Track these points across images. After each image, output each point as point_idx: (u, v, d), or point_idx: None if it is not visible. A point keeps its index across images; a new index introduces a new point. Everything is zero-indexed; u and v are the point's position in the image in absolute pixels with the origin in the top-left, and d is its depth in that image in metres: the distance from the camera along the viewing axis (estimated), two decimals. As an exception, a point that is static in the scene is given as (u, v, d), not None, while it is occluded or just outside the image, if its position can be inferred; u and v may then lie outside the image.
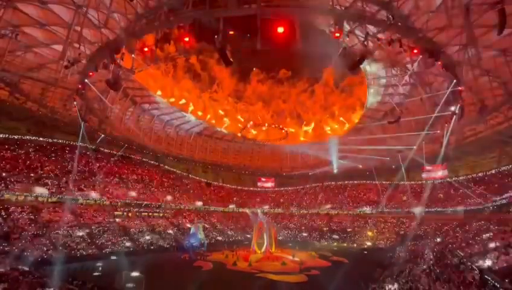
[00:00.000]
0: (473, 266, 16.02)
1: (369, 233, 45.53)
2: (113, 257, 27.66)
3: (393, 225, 45.68)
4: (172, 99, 41.95)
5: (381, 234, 44.74)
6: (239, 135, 51.13)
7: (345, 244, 44.09)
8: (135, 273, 18.36)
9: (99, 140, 36.24)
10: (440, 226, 38.26)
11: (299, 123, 51.17)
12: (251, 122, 48.93)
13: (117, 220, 36.99)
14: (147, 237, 36.08)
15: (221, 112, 48.11)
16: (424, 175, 45.79)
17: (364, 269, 23.90)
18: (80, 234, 30.47)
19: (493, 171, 39.41)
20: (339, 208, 54.46)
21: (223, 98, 47.71)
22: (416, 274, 17.56)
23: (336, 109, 47.04)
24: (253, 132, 51.37)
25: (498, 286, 12.43)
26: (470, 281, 13.87)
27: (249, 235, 44.62)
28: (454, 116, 23.15)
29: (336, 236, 48.03)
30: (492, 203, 34.06)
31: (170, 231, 40.67)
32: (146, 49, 20.41)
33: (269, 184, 64.84)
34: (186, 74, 43.26)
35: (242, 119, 49.38)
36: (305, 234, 51.04)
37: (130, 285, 17.37)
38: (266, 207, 60.09)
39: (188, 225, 43.83)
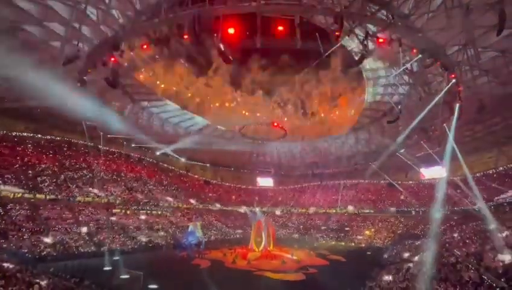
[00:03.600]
0: (470, 266, 16.12)
1: (367, 232, 45.70)
2: (111, 255, 27.57)
3: (391, 224, 45.86)
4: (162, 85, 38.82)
5: (379, 233, 44.92)
6: (240, 132, 50.34)
7: (343, 243, 44.22)
8: (133, 271, 18.35)
9: (102, 139, 36.14)
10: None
11: (304, 115, 49.03)
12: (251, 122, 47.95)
13: (115, 217, 36.88)
14: (145, 235, 36.01)
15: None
16: (422, 174, 45.88)
17: (362, 268, 23.98)
18: (78, 231, 30.44)
19: (490, 171, 39.57)
20: (338, 207, 54.55)
21: (220, 86, 44.49)
22: (413, 273, 17.64)
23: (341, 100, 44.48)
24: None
25: (494, 285, 12.50)
26: (466, 280, 13.94)
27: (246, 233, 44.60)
28: (454, 116, 23.16)
29: (333, 235, 48.16)
30: (490, 203, 34.17)
31: (168, 229, 40.65)
32: (145, 46, 20.33)
33: (268, 182, 64.85)
34: (180, 57, 39.34)
35: (245, 112, 46.90)
36: (303, 233, 51.13)
37: (128, 283, 17.38)
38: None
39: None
